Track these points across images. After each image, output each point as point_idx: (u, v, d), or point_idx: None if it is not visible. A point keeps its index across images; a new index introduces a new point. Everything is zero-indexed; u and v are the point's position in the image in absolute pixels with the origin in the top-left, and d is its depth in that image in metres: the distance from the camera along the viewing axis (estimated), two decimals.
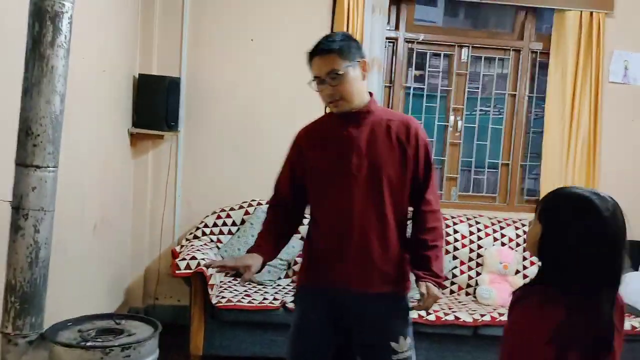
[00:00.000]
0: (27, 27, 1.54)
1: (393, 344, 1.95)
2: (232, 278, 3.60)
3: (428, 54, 4.16)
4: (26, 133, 1.54)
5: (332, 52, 1.88)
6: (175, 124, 3.72)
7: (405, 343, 1.99)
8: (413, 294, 2.15)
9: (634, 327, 3.30)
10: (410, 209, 2.04)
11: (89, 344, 1.55)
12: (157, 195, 3.86)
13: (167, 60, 3.80)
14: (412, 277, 2.04)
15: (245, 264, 1.89)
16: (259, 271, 1.95)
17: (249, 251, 1.99)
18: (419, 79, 4.27)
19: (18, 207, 1.54)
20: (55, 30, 1.54)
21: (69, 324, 1.68)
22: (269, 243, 2.02)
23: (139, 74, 3.64)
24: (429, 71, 4.20)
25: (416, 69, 4.23)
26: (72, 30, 1.60)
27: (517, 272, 3.74)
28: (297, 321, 2.05)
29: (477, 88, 4.22)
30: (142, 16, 3.69)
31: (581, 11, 3.92)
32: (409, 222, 2.06)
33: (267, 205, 2.18)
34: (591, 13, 3.92)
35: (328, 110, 2.06)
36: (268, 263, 3.58)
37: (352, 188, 1.91)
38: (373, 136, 1.94)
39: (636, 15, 4.03)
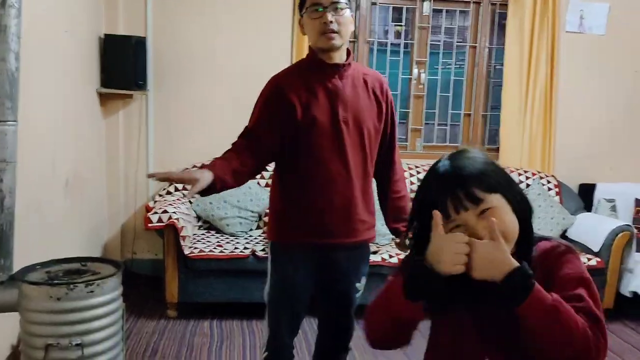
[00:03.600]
0: None
1: (357, 285, 2.09)
2: (206, 230, 3.77)
3: (390, 8, 4.24)
4: None
5: None
6: (144, 83, 3.80)
7: (364, 280, 2.13)
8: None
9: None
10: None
11: (55, 281, 1.70)
12: (130, 153, 3.98)
13: (132, 19, 3.85)
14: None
15: (192, 177, 1.72)
16: (208, 192, 1.78)
17: (201, 167, 1.81)
18: (383, 33, 4.37)
19: None
20: None
21: (37, 267, 1.82)
22: (224, 166, 1.82)
23: (105, 34, 3.70)
24: (392, 25, 4.29)
25: (380, 23, 4.32)
26: None
27: None
28: (283, 278, 2.01)
29: (440, 41, 4.33)
30: None
31: None
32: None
33: (233, 143, 1.94)
34: None
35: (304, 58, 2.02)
36: (239, 215, 3.77)
37: (343, 140, 1.91)
38: (354, 90, 1.95)
39: None
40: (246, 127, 1.95)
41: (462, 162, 1.16)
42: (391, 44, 4.30)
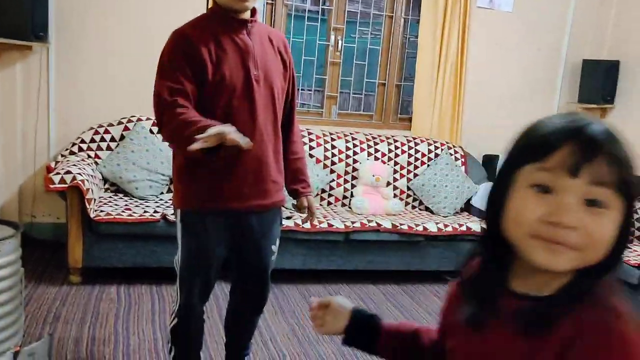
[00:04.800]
0: None
1: (273, 247, 2.08)
2: (113, 193, 3.61)
3: None
4: None
5: None
6: (45, 35, 3.53)
7: (277, 243, 2.12)
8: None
9: (469, 228, 3.71)
10: None
11: None
12: (29, 110, 3.70)
13: None
14: None
15: (226, 129, 1.62)
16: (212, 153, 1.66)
17: (202, 127, 1.63)
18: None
19: None
20: None
21: None
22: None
23: None
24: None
25: None
26: None
27: (388, 184, 4.05)
28: (196, 246, 1.94)
29: (357, 8, 4.34)
30: None
31: None
32: None
33: (172, 103, 1.76)
34: None
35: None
36: (148, 178, 3.64)
37: (254, 99, 1.86)
38: (262, 47, 1.90)
39: None
40: (170, 87, 1.77)
41: (616, 135, 0.80)
42: (309, 10, 4.26)
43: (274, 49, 1.96)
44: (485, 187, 4.07)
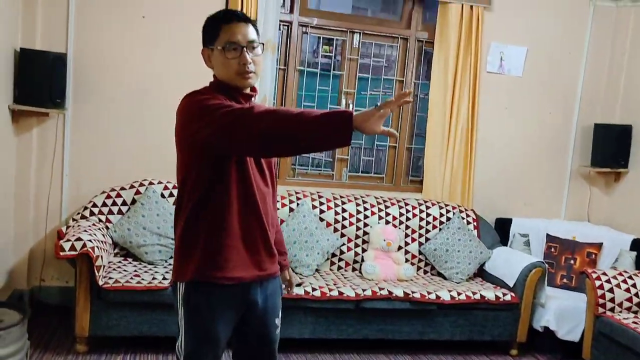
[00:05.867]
0: None
1: (277, 320, 2.02)
2: (123, 258, 3.59)
3: (321, 38, 4.28)
4: None
5: (251, 22, 1.83)
6: (62, 101, 3.61)
7: (280, 315, 2.06)
8: None
9: (498, 297, 3.64)
10: None
11: None
12: (43, 174, 3.74)
13: (52, 34, 3.66)
14: None
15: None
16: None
17: (343, 112, 1.52)
18: (313, 61, 4.39)
19: None
20: None
21: None
22: None
23: (21, 48, 3.48)
24: (322, 55, 4.32)
25: (310, 52, 4.34)
26: None
27: (400, 248, 4.00)
28: (203, 328, 1.84)
29: (368, 72, 4.41)
30: None
31: (462, 4, 4.18)
32: None
33: (248, 110, 1.61)
34: (471, 6, 4.19)
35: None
36: (158, 242, 3.62)
37: (257, 170, 1.86)
38: None
39: (511, 10, 4.36)
40: (224, 104, 1.66)
41: None
42: (320, 74, 4.33)
43: None
44: (501, 252, 4.01)
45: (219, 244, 1.81)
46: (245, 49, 1.78)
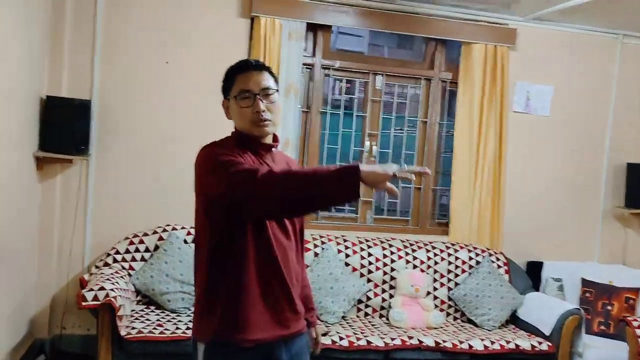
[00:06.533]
0: None
1: None
2: (145, 306, 3.52)
3: (344, 80, 4.26)
4: None
5: (266, 69, 1.81)
6: (86, 148, 3.61)
7: None
8: None
9: (533, 347, 3.48)
10: None
11: None
12: (66, 220, 3.72)
13: (77, 82, 3.68)
14: None
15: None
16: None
17: (349, 168, 1.50)
18: (336, 104, 4.36)
19: None
20: None
21: None
22: None
23: (47, 96, 3.51)
24: (345, 97, 4.30)
25: (333, 94, 4.32)
26: None
27: (428, 293, 3.87)
28: None
29: (391, 114, 4.36)
30: (51, 37, 3.56)
31: (486, 44, 4.14)
32: None
33: (261, 176, 1.56)
34: (495, 46, 4.15)
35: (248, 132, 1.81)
36: (181, 290, 3.54)
37: (277, 224, 1.78)
38: None
39: (536, 49, 4.31)
40: (238, 162, 1.63)
41: None
42: (344, 114, 4.30)
43: None
44: (534, 298, 3.86)
45: (238, 304, 1.73)
46: (258, 96, 1.75)
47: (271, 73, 1.82)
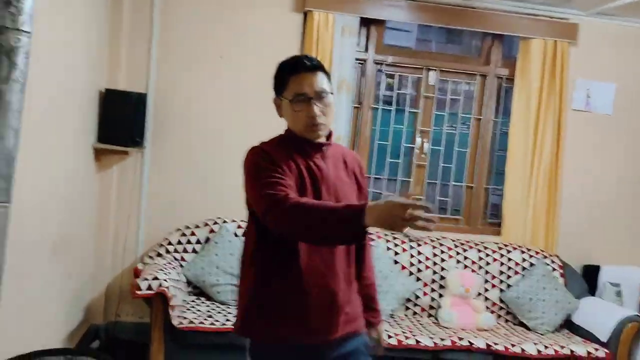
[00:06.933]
0: None
1: None
2: (196, 297, 3.58)
3: (396, 76, 4.21)
4: None
5: (320, 69, 1.77)
6: (141, 140, 3.69)
7: None
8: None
9: (589, 353, 3.37)
10: None
11: None
12: (121, 211, 3.82)
13: (134, 75, 3.76)
14: None
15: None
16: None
17: (358, 208, 1.48)
18: (388, 99, 4.32)
19: None
20: (10, 65, 1.51)
21: None
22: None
23: (106, 89, 3.60)
24: (397, 93, 4.25)
25: (385, 90, 4.28)
26: (29, 64, 1.58)
27: (479, 294, 3.79)
28: None
29: (444, 111, 4.29)
30: (110, 32, 3.65)
31: (545, 40, 4.01)
32: None
33: (288, 203, 1.58)
34: (555, 42, 4.01)
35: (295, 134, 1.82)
36: (231, 282, 3.58)
37: None
38: (336, 170, 1.83)
39: (598, 46, 4.15)
40: (272, 183, 1.63)
41: None
42: (396, 111, 4.25)
43: (347, 171, 1.87)
44: (590, 303, 3.73)
45: (288, 304, 1.73)
46: (312, 100, 1.73)
47: (325, 72, 1.79)
